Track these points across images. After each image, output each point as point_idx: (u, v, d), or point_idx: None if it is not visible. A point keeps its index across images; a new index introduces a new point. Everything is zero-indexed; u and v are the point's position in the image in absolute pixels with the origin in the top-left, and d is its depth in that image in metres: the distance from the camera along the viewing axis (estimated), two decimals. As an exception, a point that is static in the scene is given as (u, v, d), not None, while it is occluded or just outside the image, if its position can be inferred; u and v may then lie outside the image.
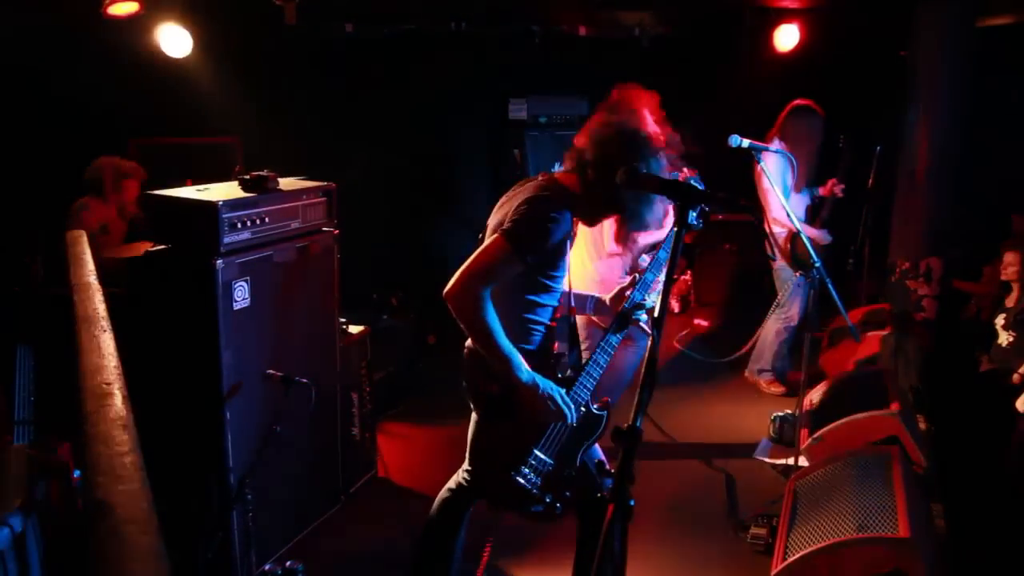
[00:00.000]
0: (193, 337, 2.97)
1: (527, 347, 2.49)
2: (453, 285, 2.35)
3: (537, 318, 2.53)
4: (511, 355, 2.36)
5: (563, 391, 2.43)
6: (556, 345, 2.58)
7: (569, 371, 2.53)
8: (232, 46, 5.81)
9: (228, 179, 3.33)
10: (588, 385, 2.50)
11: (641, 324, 2.55)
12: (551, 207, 2.37)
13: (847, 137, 4.96)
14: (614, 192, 2.34)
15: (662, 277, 2.57)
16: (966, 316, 5.16)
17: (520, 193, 2.48)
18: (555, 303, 2.56)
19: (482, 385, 2.49)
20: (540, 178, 2.53)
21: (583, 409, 2.50)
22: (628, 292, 2.58)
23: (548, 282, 2.50)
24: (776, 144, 4.66)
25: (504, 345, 2.35)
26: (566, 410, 2.41)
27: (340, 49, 6.22)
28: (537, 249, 2.36)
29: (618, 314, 2.57)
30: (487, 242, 2.41)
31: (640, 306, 2.55)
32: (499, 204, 2.58)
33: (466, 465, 2.71)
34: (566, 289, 2.59)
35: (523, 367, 2.38)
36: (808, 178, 4.89)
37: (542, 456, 2.45)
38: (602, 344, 2.51)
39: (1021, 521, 3.30)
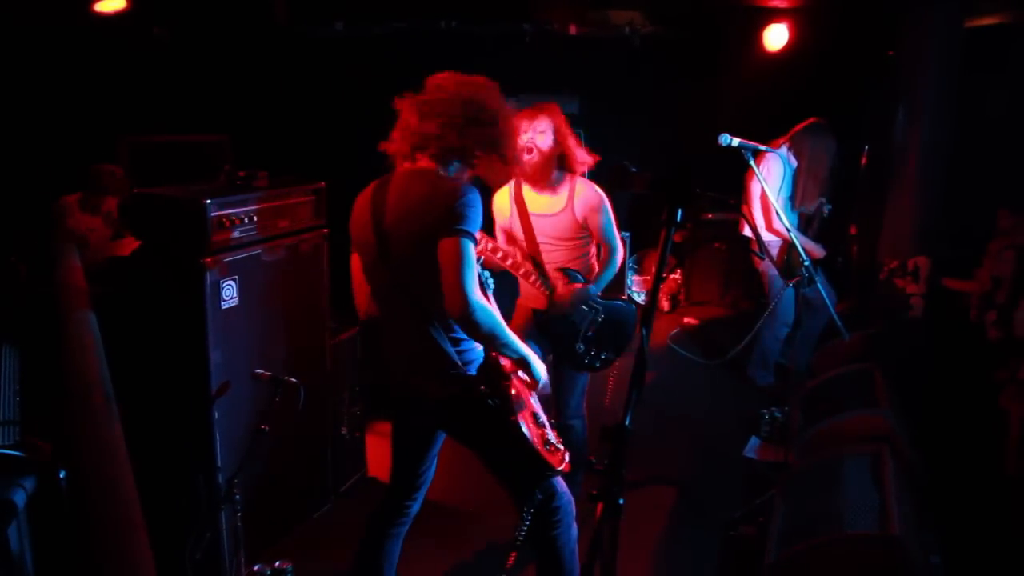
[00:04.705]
0: (181, 337, 2.96)
1: None
2: (459, 303, 2.27)
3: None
4: (517, 346, 2.46)
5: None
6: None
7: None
8: (222, 44, 5.79)
9: (217, 177, 3.31)
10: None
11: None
12: (469, 189, 2.44)
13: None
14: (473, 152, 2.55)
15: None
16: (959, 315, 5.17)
17: (418, 193, 2.47)
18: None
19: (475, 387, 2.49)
20: (411, 175, 2.56)
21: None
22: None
23: None
24: (783, 151, 4.65)
25: (510, 335, 2.43)
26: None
27: (330, 47, 6.20)
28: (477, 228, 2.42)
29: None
30: (447, 249, 2.31)
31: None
32: (369, 210, 2.54)
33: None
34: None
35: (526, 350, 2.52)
36: (821, 196, 4.80)
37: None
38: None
39: (1016, 519, 3.31)
